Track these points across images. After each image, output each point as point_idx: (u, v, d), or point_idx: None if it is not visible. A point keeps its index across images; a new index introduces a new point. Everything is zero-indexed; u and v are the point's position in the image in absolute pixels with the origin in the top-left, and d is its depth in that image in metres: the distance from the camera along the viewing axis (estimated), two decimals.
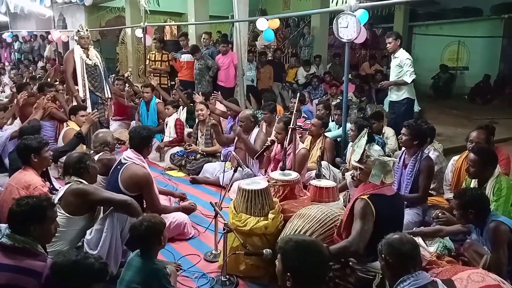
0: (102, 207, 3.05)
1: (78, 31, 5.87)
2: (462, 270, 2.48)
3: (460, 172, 3.85)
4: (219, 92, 6.58)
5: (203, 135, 5.74)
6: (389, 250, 2.08)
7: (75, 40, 5.97)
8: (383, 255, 2.10)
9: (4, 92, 7.89)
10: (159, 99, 7.32)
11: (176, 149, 5.95)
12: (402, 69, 5.46)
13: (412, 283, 1.99)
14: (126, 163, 3.38)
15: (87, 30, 5.92)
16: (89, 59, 5.83)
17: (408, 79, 5.43)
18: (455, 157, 4.12)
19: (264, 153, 4.41)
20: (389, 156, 4.56)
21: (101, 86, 5.91)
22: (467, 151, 3.72)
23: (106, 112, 6.09)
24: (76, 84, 5.99)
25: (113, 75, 8.10)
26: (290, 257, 1.84)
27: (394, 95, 5.67)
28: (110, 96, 6.21)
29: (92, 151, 4.15)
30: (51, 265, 1.93)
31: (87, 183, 2.95)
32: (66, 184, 2.92)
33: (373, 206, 2.58)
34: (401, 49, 5.56)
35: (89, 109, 5.76)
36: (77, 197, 2.79)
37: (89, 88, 5.83)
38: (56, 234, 2.41)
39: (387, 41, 5.63)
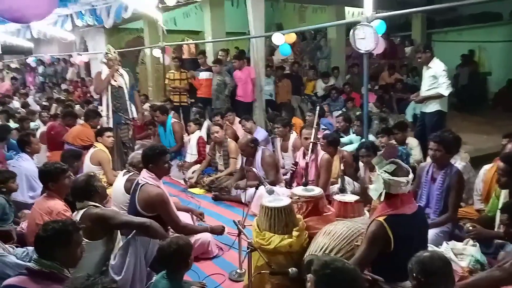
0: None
1: (107, 53, 6.02)
2: None
3: (492, 182, 3.68)
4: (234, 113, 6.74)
5: (221, 155, 5.75)
6: (420, 268, 2.00)
7: (104, 62, 6.10)
8: (414, 274, 2.02)
9: (33, 120, 8.07)
10: (179, 118, 7.40)
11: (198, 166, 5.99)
12: (437, 81, 5.22)
13: None
14: (141, 183, 3.37)
15: (114, 52, 6.06)
16: (114, 80, 5.96)
17: (445, 91, 5.18)
18: (486, 166, 3.97)
19: None
20: (413, 167, 4.51)
21: (123, 107, 6.02)
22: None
23: (130, 132, 6.17)
24: (101, 104, 6.14)
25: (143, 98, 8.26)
26: (326, 283, 1.79)
27: (425, 106, 5.49)
28: (135, 117, 6.30)
29: (125, 170, 4.24)
30: None
31: (100, 205, 2.94)
32: (79, 209, 2.88)
33: (389, 228, 2.48)
34: (436, 59, 5.34)
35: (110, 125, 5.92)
36: (96, 222, 2.77)
37: (112, 109, 5.96)
38: None
39: (417, 56, 5.50)
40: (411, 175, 2.59)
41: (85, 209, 2.84)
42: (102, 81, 5.93)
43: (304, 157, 4.59)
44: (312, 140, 4.25)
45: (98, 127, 5.98)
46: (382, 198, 2.56)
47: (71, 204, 3.29)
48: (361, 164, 4.84)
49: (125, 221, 2.90)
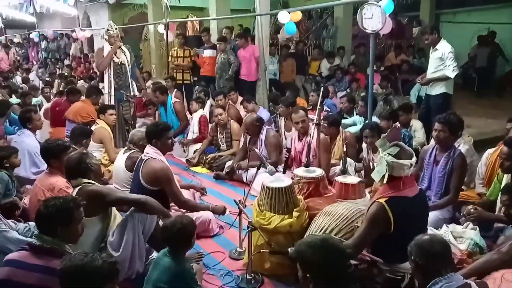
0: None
1: (108, 29, 5.93)
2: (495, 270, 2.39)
3: (495, 166, 3.65)
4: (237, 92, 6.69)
5: (223, 137, 5.73)
6: (419, 251, 2.01)
7: (105, 39, 6.02)
8: (413, 257, 2.03)
9: (36, 96, 8.02)
10: (182, 96, 7.34)
11: (199, 145, 5.98)
12: (444, 63, 5.14)
13: (445, 286, 1.92)
14: (145, 159, 3.44)
15: (116, 29, 5.97)
16: (116, 57, 5.90)
17: (451, 73, 5.10)
18: (490, 150, 3.93)
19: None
20: (417, 149, 4.49)
21: (125, 84, 5.99)
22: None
23: (131, 109, 6.16)
24: (102, 81, 6.09)
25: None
26: (305, 259, 1.90)
27: (431, 88, 5.41)
28: (136, 94, 6.27)
29: (126, 148, 4.26)
30: (59, 271, 1.89)
31: (95, 182, 2.93)
32: (74, 186, 2.88)
33: (390, 210, 2.47)
34: (443, 40, 5.24)
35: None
36: (91, 199, 2.74)
37: (114, 86, 5.92)
38: None
39: (424, 38, 5.40)
40: (414, 158, 2.58)
41: (80, 186, 2.83)
42: (104, 58, 5.87)
43: (300, 140, 4.56)
44: (315, 121, 4.22)
45: (99, 103, 5.96)
46: (385, 181, 2.56)
47: None
48: (364, 145, 4.82)
49: (120, 197, 2.91)
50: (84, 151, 3.22)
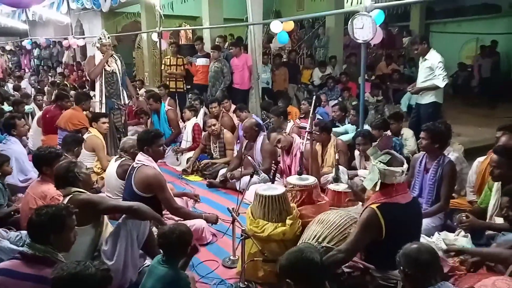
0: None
1: (100, 38, 5.94)
2: (486, 277, 2.40)
3: (485, 174, 3.70)
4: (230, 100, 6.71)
5: (216, 146, 5.74)
6: (407, 261, 2.02)
7: (97, 47, 6.03)
8: (401, 267, 2.04)
9: (28, 104, 7.97)
10: (175, 104, 7.35)
11: (192, 153, 5.98)
12: (433, 72, 5.23)
13: None
14: (137, 166, 3.45)
15: (108, 38, 5.99)
16: (108, 65, 5.91)
17: (441, 83, 5.19)
18: (480, 159, 3.99)
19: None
20: (408, 157, 4.53)
21: (116, 93, 6.00)
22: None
23: (123, 117, 6.15)
24: (93, 89, 6.09)
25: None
26: (283, 265, 2.05)
27: (421, 97, 5.49)
28: (127, 103, 6.26)
29: (117, 156, 4.26)
30: (52, 279, 1.88)
31: (85, 191, 2.90)
32: (65, 196, 2.85)
33: (382, 216, 2.49)
34: (432, 50, 5.33)
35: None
36: (83, 207, 2.69)
37: (105, 94, 5.92)
38: None
39: (414, 48, 5.48)
40: (405, 165, 2.61)
41: (71, 195, 2.80)
42: (96, 66, 5.88)
43: (288, 154, 4.58)
44: (308, 129, 4.25)
45: (90, 109, 5.95)
46: (377, 188, 2.58)
47: None
48: (356, 153, 4.85)
49: (112, 205, 2.89)
50: (73, 160, 3.20)
